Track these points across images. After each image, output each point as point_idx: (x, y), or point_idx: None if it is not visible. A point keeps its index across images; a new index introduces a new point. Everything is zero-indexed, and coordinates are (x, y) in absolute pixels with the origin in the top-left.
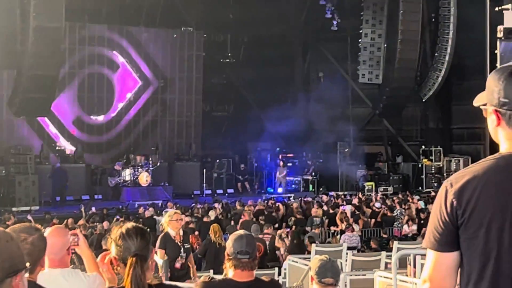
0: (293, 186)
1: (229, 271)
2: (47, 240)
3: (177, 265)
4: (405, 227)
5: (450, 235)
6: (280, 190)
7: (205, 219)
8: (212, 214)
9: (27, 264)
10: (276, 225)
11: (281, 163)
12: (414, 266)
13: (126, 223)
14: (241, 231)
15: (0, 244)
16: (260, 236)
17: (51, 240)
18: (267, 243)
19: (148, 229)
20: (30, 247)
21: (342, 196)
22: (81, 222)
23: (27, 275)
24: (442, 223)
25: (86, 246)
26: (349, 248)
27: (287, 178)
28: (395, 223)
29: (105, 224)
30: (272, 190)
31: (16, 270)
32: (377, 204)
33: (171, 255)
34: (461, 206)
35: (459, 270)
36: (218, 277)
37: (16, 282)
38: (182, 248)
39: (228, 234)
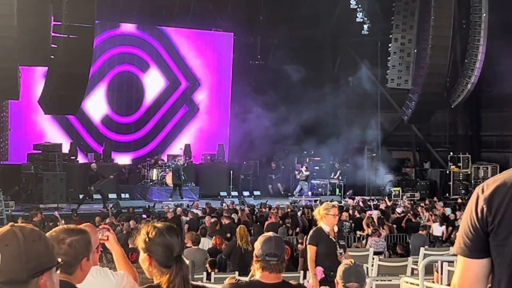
0: (320, 189)
1: (257, 273)
2: None
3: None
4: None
5: (480, 242)
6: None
7: (230, 221)
8: (237, 216)
9: (59, 259)
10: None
11: (304, 167)
12: (441, 273)
13: (155, 222)
14: (270, 233)
15: (26, 243)
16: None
17: None
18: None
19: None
20: (66, 248)
21: (369, 201)
22: (108, 220)
23: (58, 272)
24: (473, 229)
25: (116, 242)
26: (375, 253)
27: (313, 181)
28: (420, 229)
29: (132, 223)
30: (298, 193)
31: (42, 270)
32: (399, 210)
33: (324, 252)
34: (491, 212)
35: (489, 277)
36: (244, 279)
37: (42, 281)
38: (338, 245)
39: (254, 236)
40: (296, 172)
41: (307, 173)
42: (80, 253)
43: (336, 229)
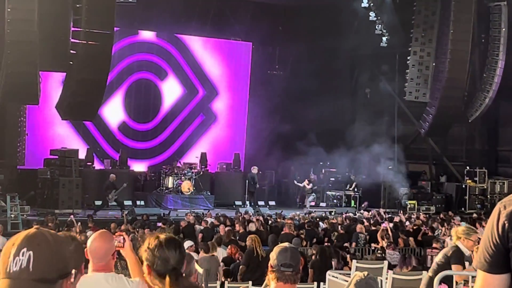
0: (335, 201)
1: (272, 283)
2: (91, 245)
3: None
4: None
5: (501, 257)
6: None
7: (242, 230)
8: (252, 226)
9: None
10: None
11: (306, 181)
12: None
13: (160, 233)
14: (286, 244)
15: (56, 244)
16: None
17: (95, 245)
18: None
19: (187, 237)
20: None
21: (384, 213)
22: (123, 227)
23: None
24: (493, 244)
25: (131, 249)
26: (390, 266)
27: (328, 192)
28: (434, 242)
29: (146, 230)
30: (313, 204)
31: (67, 273)
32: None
33: None
34: None
35: None
36: None
37: (68, 284)
38: None
39: (268, 246)
40: (300, 185)
41: (310, 186)
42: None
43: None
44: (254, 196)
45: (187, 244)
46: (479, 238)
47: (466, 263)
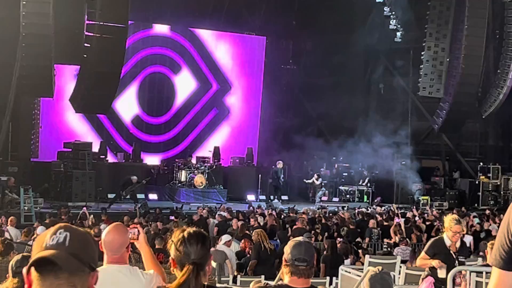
0: (348, 196)
1: (285, 277)
2: (106, 237)
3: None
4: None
5: None
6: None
7: (256, 224)
8: (263, 220)
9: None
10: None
11: (315, 176)
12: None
13: (187, 227)
14: (300, 238)
15: (88, 235)
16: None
17: (110, 238)
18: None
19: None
20: None
21: (397, 209)
22: (136, 220)
23: None
24: (509, 241)
25: (146, 242)
26: (402, 261)
27: (341, 187)
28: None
29: (159, 224)
30: (325, 199)
31: (95, 266)
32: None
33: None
34: None
35: None
36: (271, 283)
37: (94, 279)
38: (457, 261)
39: (279, 241)
40: (309, 181)
41: (319, 182)
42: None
43: (458, 243)
44: (278, 191)
45: (224, 238)
46: (462, 231)
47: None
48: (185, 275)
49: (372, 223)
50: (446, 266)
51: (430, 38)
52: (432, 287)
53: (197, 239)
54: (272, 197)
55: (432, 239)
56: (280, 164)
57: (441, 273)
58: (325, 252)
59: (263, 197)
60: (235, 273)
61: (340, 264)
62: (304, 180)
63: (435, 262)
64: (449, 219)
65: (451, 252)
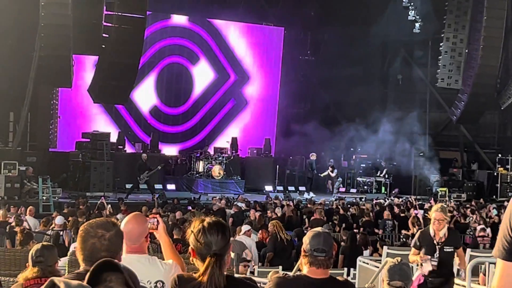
0: (365, 187)
1: (304, 268)
2: (125, 227)
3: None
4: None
5: None
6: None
7: (274, 215)
8: (281, 211)
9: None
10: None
11: (330, 169)
12: (488, 275)
13: (206, 216)
14: (319, 229)
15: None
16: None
17: (129, 227)
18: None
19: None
20: (108, 244)
21: (414, 200)
22: (154, 210)
23: None
24: (511, 232)
25: (165, 232)
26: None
27: (358, 179)
28: (468, 231)
29: (178, 214)
30: (343, 190)
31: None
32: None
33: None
34: None
35: None
36: (290, 273)
37: None
38: (438, 251)
39: (295, 232)
40: (324, 174)
41: (334, 174)
42: (119, 245)
43: (443, 233)
44: (311, 183)
45: (244, 228)
46: (445, 219)
47: None
48: (208, 268)
49: (386, 214)
50: (429, 257)
51: (449, 29)
52: (420, 280)
53: (217, 229)
54: (304, 189)
55: (419, 231)
56: (313, 156)
57: (426, 266)
58: (343, 243)
59: (281, 188)
60: (255, 264)
61: (359, 255)
62: (320, 174)
63: (418, 258)
64: (433, 208)
65: (434, 242)
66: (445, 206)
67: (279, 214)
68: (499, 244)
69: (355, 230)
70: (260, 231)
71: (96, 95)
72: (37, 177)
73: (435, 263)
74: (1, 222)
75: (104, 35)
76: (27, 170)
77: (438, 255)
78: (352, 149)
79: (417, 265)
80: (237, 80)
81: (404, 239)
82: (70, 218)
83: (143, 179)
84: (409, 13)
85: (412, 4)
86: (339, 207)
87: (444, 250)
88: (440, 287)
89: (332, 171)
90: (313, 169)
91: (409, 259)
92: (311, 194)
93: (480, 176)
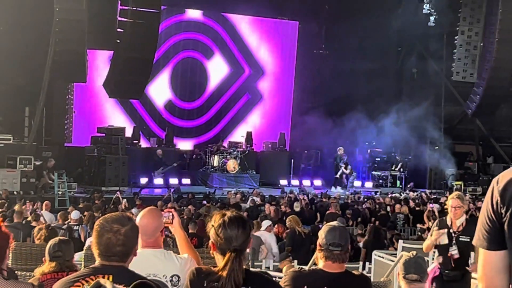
0: (380, 181)
1: (320, 262)
2: (140, 221)
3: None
4: None
5: (497, 234)
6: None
7: (289, 210)
8: (297, 205)
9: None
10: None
11: (343, 165)
12: None
13: (227, 210)
14: (335, 223)
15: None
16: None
17: (144, 222)
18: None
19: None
20: (124, 238)
21: (429, 194)
22: (170, 205)
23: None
24: (490, 221)
25: (180, 226)
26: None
27: (373, 172)
28: None
29: (191, 208)
30: (359, 184)
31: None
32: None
33: (441, 247)
34: (504, 204)
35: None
36: (306, 267)
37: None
38: (454, 240)
39: (310, 227)
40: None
41: (348, 170)
42: (135, 239)
43: (461, 222)
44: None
45: (265, 224)
46: (462, 207)
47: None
48: (228, 263)
49: (397, 208)
50: (445, 231)
51: (464, 22)
52: (436, 273)
53: (237, 224)
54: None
55: (437, 219)
56: (341, 150)
57: (444, 239)
58: (366, 237)
59: (296, 182)
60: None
61: (382, 249)
62: (335, 176)
63: (433, 236)
64: (450, 195)
65: (451, 231)
66: (462, 194)
67: (296, 209)
68: (478, 233)
69: (370, 225)
70: (276, 226)
71: (111, 90)
72: (53, 172)
73: (455, 252)
74: (18, 214)
75: (119, 30)
76: (49, 162)
77: (454, 244)
78: (367, 143)
79: (433, 258)
80: (251, 75)
81: (420, 233)
82: (85, 213)
83: (158, 174)
84: (424, 6)
85: None
86: (355, 200)
87: (460, 239)
88: (455, 281)
89: (346, 168)
90: (337, 164)
91: (423, 246)
92: (338, 188)
93: (495, 169)
